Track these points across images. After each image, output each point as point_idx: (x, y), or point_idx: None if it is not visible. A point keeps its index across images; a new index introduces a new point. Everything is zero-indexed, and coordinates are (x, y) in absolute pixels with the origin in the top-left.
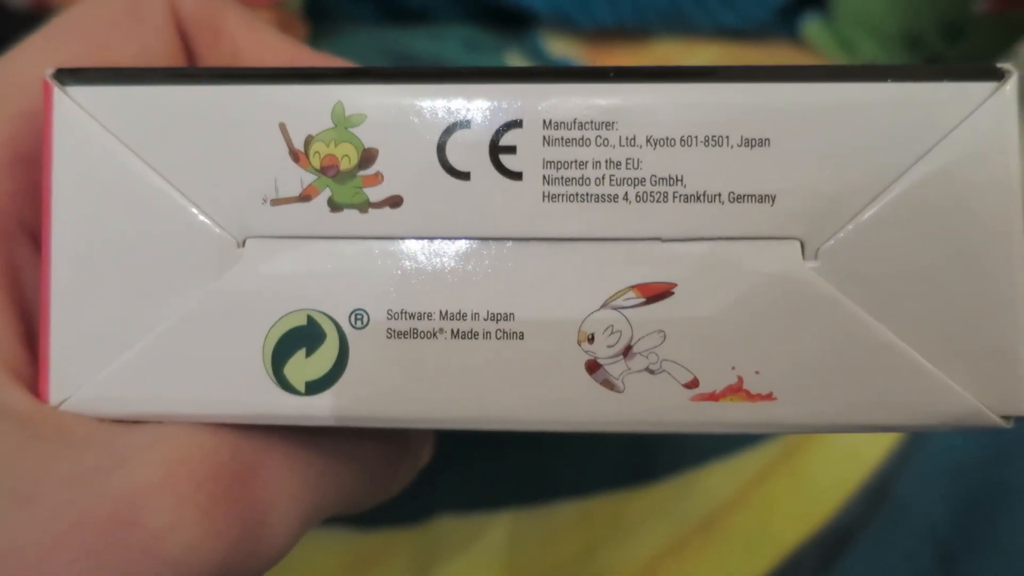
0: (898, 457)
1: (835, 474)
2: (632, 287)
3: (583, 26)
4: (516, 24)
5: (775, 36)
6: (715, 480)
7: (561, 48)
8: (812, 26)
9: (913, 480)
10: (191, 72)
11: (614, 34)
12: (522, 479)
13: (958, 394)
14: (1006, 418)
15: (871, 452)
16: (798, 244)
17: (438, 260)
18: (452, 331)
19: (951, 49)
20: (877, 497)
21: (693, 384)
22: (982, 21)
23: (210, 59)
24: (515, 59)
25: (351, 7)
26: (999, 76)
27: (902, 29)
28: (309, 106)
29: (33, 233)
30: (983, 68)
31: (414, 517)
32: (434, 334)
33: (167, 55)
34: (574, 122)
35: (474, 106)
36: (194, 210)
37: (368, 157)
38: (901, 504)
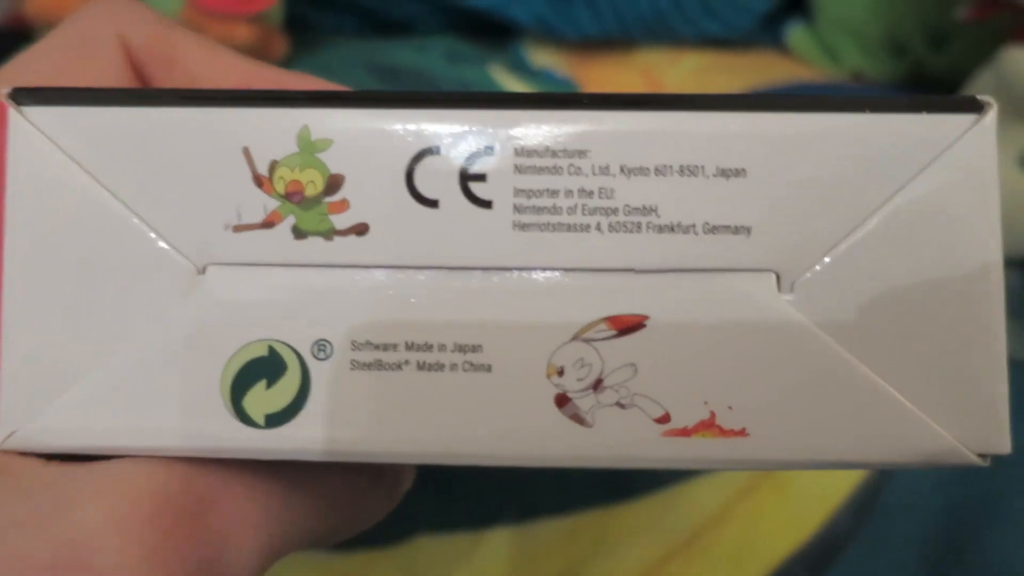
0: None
1: (822, 486)
2: (603, 319)
3: (566, 36)
4: (499, 35)
5: (759, 44)
6: (700, 495)
7: (544, 59)
8: (796, 33)
9: (901, 491)
10: (151, 94)
11: (598, 44)
12: (504, 497)
13: (935, 431)
14: (983, 456)
15: None
16: (774, 277)
17: (405, 290)
18: (418, 363)
19: (935, 55)
20: (864, 509)
21: (664, 419)
22: (965, 27)
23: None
24: (498, 71)
25: (333, 20)
26: (979, 108)
27: (886, 35)
28: (274, 130)
29: None
30: (963, 100)
31: (394, 537)
32: (399, 366)
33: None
34: (546, 150)
35: (444, 132)
36: (153, 235)
37: (334, 183)
38: (889, 515)
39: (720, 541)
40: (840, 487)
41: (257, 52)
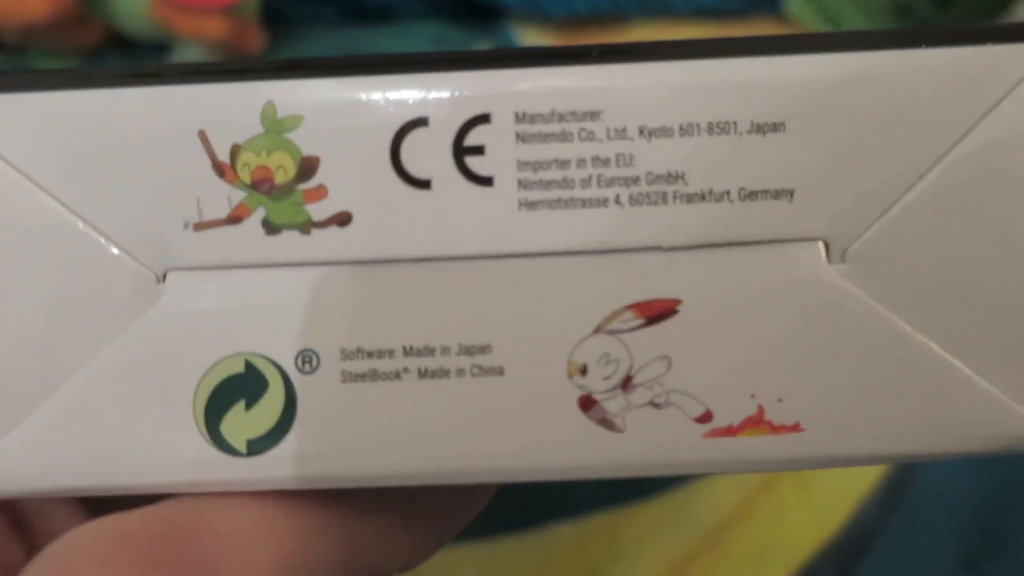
0: None
1: (847, 475)
2: (629, 307)
3: (555, 15)
4: (486, 18)
5: (757, 13)
6: (718, 491)
7: (535, 39)
8: (795, 0)
9: (931, 479)
10: (87, 74)
11: (588, 22)
12: (513, 502)
13: (1016, 413)
14: None
15: None
16: (822, 245)
17: (398, 286)
18: (419, 370)
19: (942, 14)
20: (893, 499)
21: (706, 418)
22: None
23: None
24: None
25: (311, 9)
26: None
27: None
28: (233, 109)
29: None
30: None
31: None
32: (398, 374)
33: None
34: (552, 113)
35: (432, 100)
36: (101, 240)
37: (308, 167)
38: (920, 506)
39: (741, 540)
40: (866, 477)
41: (232, 46)
